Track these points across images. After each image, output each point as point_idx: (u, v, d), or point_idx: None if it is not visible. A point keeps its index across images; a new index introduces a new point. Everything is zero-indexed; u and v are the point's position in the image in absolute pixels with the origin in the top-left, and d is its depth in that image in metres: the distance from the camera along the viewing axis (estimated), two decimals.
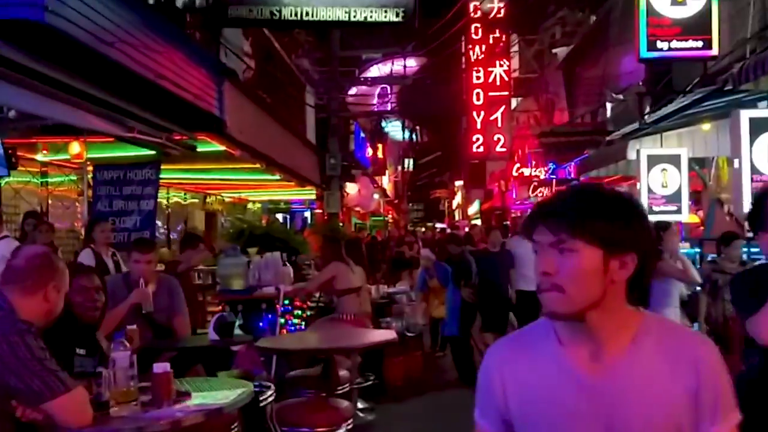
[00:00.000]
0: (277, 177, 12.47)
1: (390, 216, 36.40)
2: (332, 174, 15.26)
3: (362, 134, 18.12)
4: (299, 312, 6.85)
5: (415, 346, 8.24)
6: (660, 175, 11.66)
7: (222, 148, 8.89)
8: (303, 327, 6.86)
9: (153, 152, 8.52)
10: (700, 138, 11.75)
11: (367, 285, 7.44)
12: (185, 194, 16.51)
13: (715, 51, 9.59)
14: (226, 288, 6.36)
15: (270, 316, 6.27)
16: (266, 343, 4.18)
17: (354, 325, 6.27)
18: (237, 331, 4.71)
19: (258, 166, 10.70)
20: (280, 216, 23.78)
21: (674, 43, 9.77)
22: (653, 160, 11.65)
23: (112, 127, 6.25)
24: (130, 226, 8.30)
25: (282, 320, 6.34)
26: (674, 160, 11.57)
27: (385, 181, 29.27)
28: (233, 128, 8.59)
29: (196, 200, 17.66)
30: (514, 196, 25.20)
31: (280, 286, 6.26)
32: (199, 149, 9.06)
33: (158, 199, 15.08)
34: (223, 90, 8.31)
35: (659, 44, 9.78)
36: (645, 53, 9.88)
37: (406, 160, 37.99)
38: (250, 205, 22.06)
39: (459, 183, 48.27)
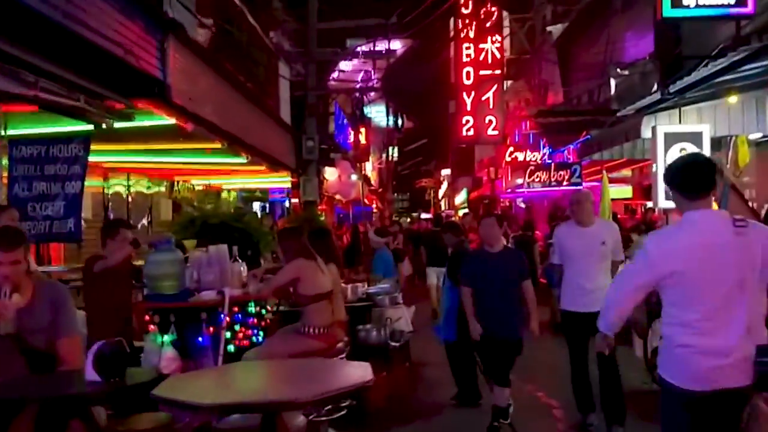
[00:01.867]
0: (245, 159, 10.97)
1: (374, 206, 34.98)
2: (309, 158, 13.82)
3: (343, 116, 16.62)
4: (256, 319, 5.38)
5: (401, 358, 6.82)
6: (679, 155, 10.32)
7: (170, 121, 7.41)
8: (260, 339, 5.41)
9: (90, 127, 7.07)
10: (723, 113, 10.37)
11: (342, 286, 5.99)
12: (149, 181, 14.98)
13: (750, 8, 8.25)
14: (154, 292, 4.88)
15: (212, 329, 4.81)
16: (166, 392, 2.72)
17: (321, 343, 4.83)
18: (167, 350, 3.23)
19: (219, 145, 9.21)
20: (257, 206, 22.31)
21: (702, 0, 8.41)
22: (671, 139, 10.29)
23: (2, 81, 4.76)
24: (52, 214, 6.81)
25: (228, 334, 4.87)
26: (695, 138, 10.23)
27: (369, 169, 27.78)
28: (180, 95, 7.11)
29: (162, 188, 16.11)
30: (503, 184, 23.82)
31: (226, 290, 4.79)
32: (143, 123, 7.64)
33: (118, 188, 13.78)
34: (166, 47, 6.82)
35: (685, 0, 8.40)
36: (669, 11, 8.48)
37: (391, 148, 36.52)
38: (224, 194, 20.54)
39: (446, 172, 46.98)
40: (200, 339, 4.72)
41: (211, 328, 4.80)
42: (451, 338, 6.21)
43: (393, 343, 6.64)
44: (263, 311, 5.63)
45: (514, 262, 5.64)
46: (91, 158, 11.01)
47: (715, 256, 2.90)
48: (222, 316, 4.79)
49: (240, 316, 5.09)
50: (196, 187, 17.45)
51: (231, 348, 4.90)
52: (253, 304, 5.29)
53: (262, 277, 5.25)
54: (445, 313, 6.28)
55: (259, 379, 3.48)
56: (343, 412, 5.12)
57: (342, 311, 5.55)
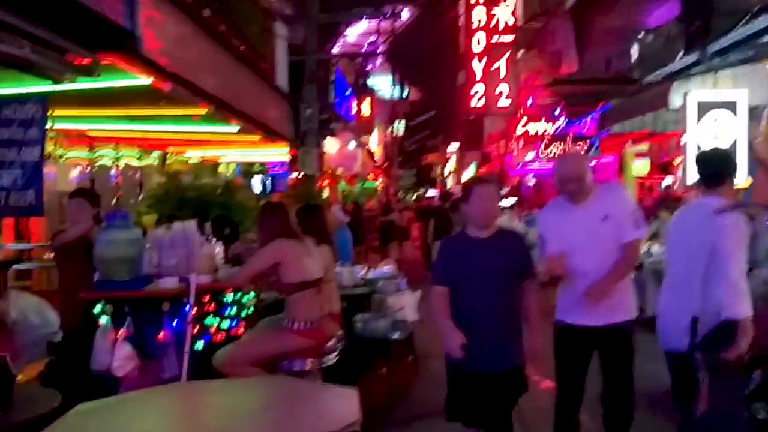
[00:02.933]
0: (236, 128, 10.06)
1: (380, 182, 34.05)
2: (308, 128, 12.88)
3: (346, 84, 15.63)
4: (236, 309, 4.53)
5: (404, 351, 5.97)
6: (713, 125, 9.38)
7: (146, 81, 6.52)
8: (241, 333, 4.57)
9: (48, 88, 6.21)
10: (761, 79, 9.40)
11: (335, 271, 5.13)
12: (140, 153, 14.09)
13: None
14: (105, 278, 4.03)
15: (176, 322, 3.96)
16: None
17: (308, 340, 3.98)
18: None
19: (204, 111, 8.31)
20: (258, 180, 21.43)
21: None
22: (704, 108, 9.38)
23: None
24: (8, 185, 5.93)
25: (201, 327, 4.02)
26: (730, 106, 9.32)
27: (373, 143, 26.80)
28: (153, 49, 6.21)
29: (154, 161, 15.22)
30: (513, 159, 22.81)
31: (191, 277, 3.94)
32: (115, 83, 6.76)
33: (105, 161, 12.91)
34: None
35: None
36: None
37: (397, 122, 35.42)
38: (222, 168, 19.65)
39: (453, 147, 45.90)
40: (161, 335, 3.87)
41: (174, 322, 3.94)
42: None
43: (395, 335, 5.81)
44: (245, 299, 4.79)
45: (512, 251, 3.61)
46: (72, 126, 10.26)
47: None
48: (187, 307, 3.93)
49: (214, 306, 4.24)
50: (190, 160, 16.59)
51: (200, 345, 4.06)
52: (234, 292, 4.45)
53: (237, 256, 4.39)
54: None
55: (192, 422, 2.47)
56: None
57: (335, 301, 4.71)
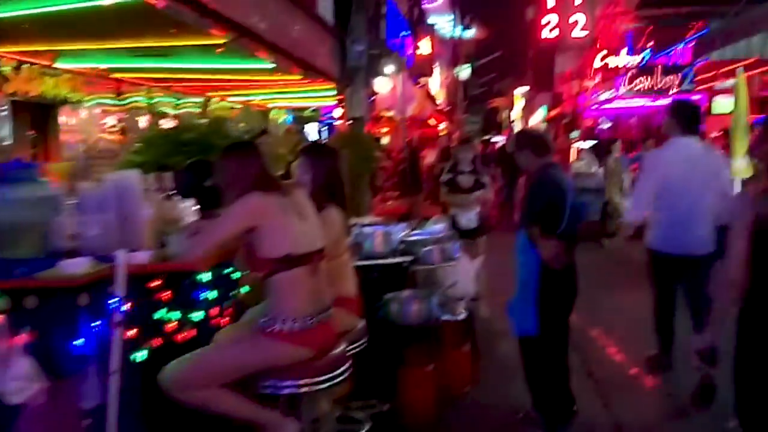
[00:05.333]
0: (269, 65, 8.67)
1: (444, 126, 32.26)
2: (356, 65, 11.38)
3: (400, 16, 13.96)
4: (212, 293, 3.20)
5: (458, 338, 4.57)
6: None
7: None
8: (224, 322, 3.29)
9: None
10: None
11: (348, 240, 3.68)
12: (176, 98, 12.99)
13: None
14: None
15: (99, 323, 2.65)
16: None
17: (299, 348, 2.63)
18: None
19: (222, 39, 6.96)
20: (313, 127, 20.17)
21: None
22: None
23: None
24: None
25: (131, 332, 2.70)
26: None
27: (434, 85, 24.96)
28: None
29: (195, 108, 14.12)
30: (587, 100, 20.69)
31: (118, 254, 2.60)
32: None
33: (134, 103, 11.83)
34: None
35: None
36: None
37: (460, 66, 33.27)
38: (273, 114, 18.45)
39: (521, 90, 43.41)
40: (77, 342, 2.57)
41: (96, 323, 2.63)
42: (530, 331, 3.84)
43: (447, 317, 4.41)
44: (236, 275, 3.47)
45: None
46: (81, 65, 9.12)
47: None
48: (117, 300, 2.61)
49: (171, 294, 2.92)
50: (235, 106, 15.42)
51: (140, 355, 2.75)
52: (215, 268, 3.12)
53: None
54: (521, 288, 3.90)
55: None
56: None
57: (348, 282, 3.30)
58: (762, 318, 2.56)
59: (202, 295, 3.16)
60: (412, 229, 5.24)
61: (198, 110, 14.10)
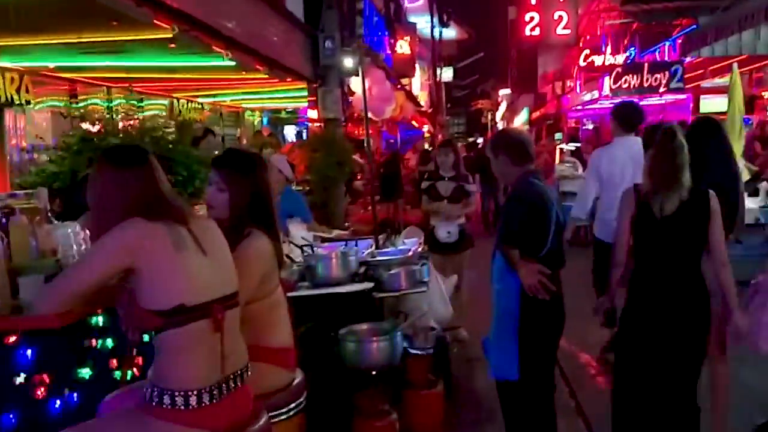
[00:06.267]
0: (229, 61, 7.96)
1: (426, 129, 31.62)
2: (328, 63, 10.72)
3: (376, 12, 13.28)
4: (108, 342, 2.50)
5: (428, 378, 3.92)
6: None
7: None
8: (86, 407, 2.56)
9: None
10: None
11: (276, 279, 2.90)
12: (138, 101, 12.24)
13: None
14: None
15: None
16: None
17: (198, 430, 1.94)
18: None
19: (167, 32, 6.26)
20: (291, 130, 19.46)
21: None
22: None
23: None
24: None
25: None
26: None
27: (416, 87, 24.32)
28: None
29: (160, 107, 13.38)
30: (571, 101, 20.15)
31: None
32: None
33: (91, 106, 11.08)
34: None
35: None
36: None
37: (443, 69, 32.61)
38: (248, 115, 17.74)
39: (504, 92, 42.94)
40: None
41: None
42: (510, 376, 3.19)
43: (415, 351, 3.76)
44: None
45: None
46: (23, 64, 8.40)
47: None
48: None
49: (38, 350, 2.24)
50: (206, 108, 14.69)
51: None
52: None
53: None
54: (497, 323, 3.25)
55: None
56: None
57: (278, 329, 2.61)
58: (640, 303, 3.14)
59: (99, 343, 2.49)
60: (379, 246, 4.58)
61: (164, 113, 13.42)
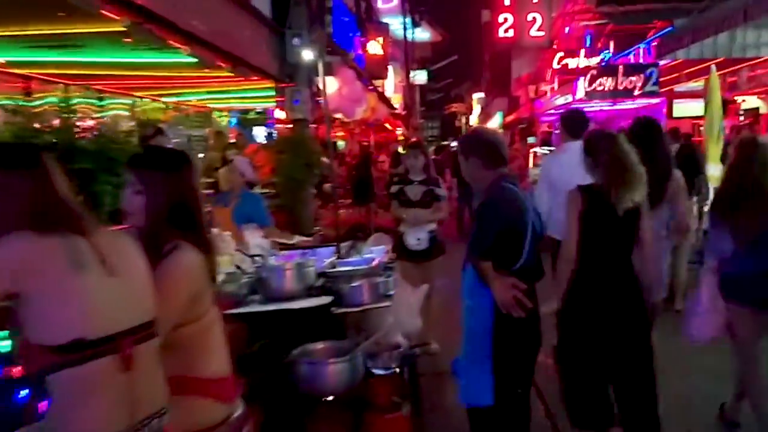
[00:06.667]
0: (191, 58, 7.55)
1: (401, 132, 31.35)
2: (296, 62, 10.36)
3: (347, 11, 12.91)
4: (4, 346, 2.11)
5: (392, 401, 3.57)
6: None
7: None
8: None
9: None
10: None
11: (210, 298, 2.45)
12: (98, 99, 11.76)
13: None
14: None
15: None
16: None
17: None
18: None
19: (118, 26, 5.85)
20: (262, 131, 19.02)
21: None
22: None
23: None
24: None
25: None
26: None
27: (389, 88, 24.01)
28: None
29: (122, 107, 12.89)
30: (545, 104, 20.00)
31: None
32: None
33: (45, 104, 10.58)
34: None
35: None
36: None
37: (417, 72, 32.33)
38: (216, 116, 17.23)
39: (478, 96, 42.88)
40: None
41: None
42: (483, 401, 2.86)
43: (378, 372, 3.42)
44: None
45: None
46: None
47: None
48: None
49: None
50: (170, 108, 14.21)
51: None
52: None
53: None
54: (468, 344, 2.92)
55: None
56: None
57: (212, 357, 2.24)
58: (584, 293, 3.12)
59: None
60: (342, 255, 4.23)
61: (126, 112, 12.93)
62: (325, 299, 3.30)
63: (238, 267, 3.52)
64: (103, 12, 5.48)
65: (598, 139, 3.40)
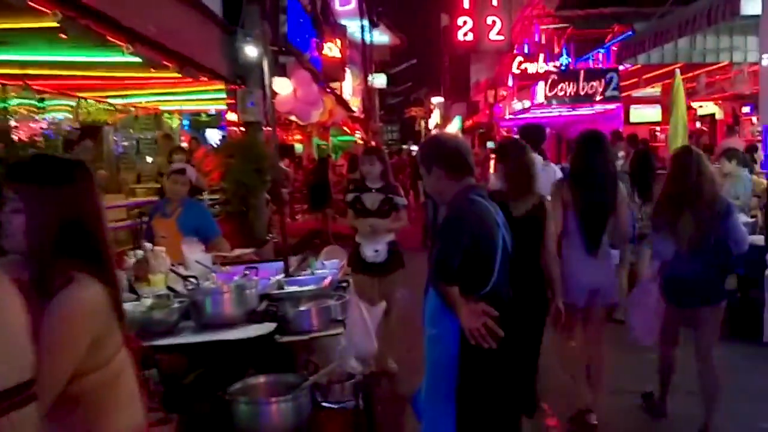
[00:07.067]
0: (133, 57, 7.05)
1: (359, 136, 30.99)
2: (248, 62, 9.93)
3: (302, 11, 12.50)
4: None
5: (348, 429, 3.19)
6: None
7: None
8: None
9: None
10: None
11: (119, 339, 2.04)
12: (40, 97, 11.17)
13: None
14: None
15: None
16: None
17: None
18: None
19: (50, 21, 5.36)
20: (213, 134, 18.42)
21: None
22: None
23: None
24: None
25: None
26: None
27: (347, 92, 23.64)
28: None
29: (64, 108, 12.29)
30: (504, 110, 19.90)
31: None
32: None
33: None
34: None
35: None
36: None
37: (376, 76, 32.02)
38: (166, 118, 16.59)
39: (437, 100, 42.83)
40: None
41: None
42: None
43: (329, 405, 3.04)
44: None
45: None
46: None
47: None
48: None
49: None
50: (118, 110, 13.60)
51: None
52: None
53: None
54: (431, 378, 2.57)
55: None
56: None
57: (127, 408, 1.82)
58: None
59: None
60: (290, 272, 3.84)
61: (69, 114, 12.31)
62: (267, 327, 2.90)
63: (171, 289, 3.11)
64: (32, 4, 5.02)
65: (507, 147, 3.79)
